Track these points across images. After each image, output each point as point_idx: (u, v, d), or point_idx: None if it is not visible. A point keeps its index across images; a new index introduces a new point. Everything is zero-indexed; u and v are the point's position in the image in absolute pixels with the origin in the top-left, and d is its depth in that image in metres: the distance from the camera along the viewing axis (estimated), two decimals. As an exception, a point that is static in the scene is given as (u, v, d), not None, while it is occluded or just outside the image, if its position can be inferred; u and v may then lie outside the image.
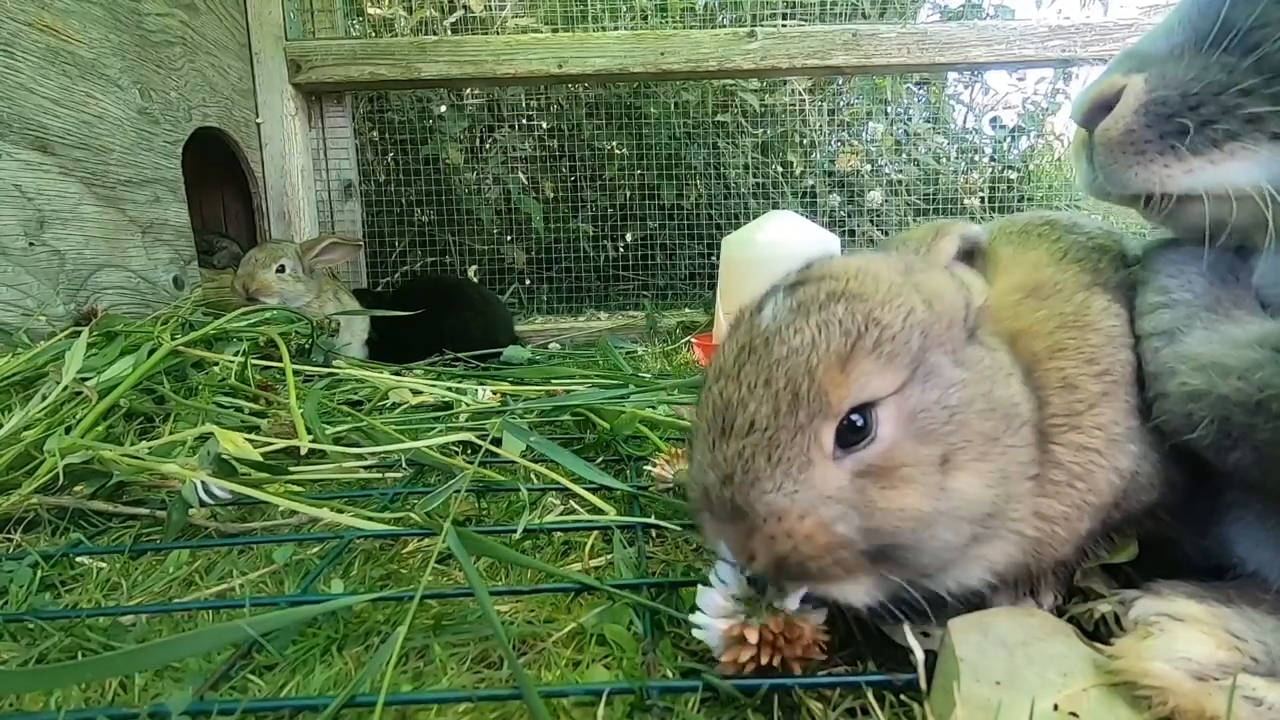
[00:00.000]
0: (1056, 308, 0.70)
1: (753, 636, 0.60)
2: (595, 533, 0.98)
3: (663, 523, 0.98)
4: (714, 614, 0.63)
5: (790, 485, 0.55)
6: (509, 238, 3.79)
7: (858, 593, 0.58)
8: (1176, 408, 0.62)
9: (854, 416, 0.56)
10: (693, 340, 2.86)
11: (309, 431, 1.24)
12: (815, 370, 0.56)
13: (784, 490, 0.55)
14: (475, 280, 3.57)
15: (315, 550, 0.98)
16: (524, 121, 3.78)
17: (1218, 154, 0.63)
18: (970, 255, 0.73)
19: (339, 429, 1.35)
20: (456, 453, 1.32)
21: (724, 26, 3.31)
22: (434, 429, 1.44)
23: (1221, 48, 0.63)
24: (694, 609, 0.65)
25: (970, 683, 0.55)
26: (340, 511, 1.02)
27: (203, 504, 1.04)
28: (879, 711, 0.60)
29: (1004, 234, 0.83)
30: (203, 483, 1.04)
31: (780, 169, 3.85)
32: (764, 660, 0.60)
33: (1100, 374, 0.66)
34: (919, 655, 0.59)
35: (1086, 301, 0.70)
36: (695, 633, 0.64)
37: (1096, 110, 0.70)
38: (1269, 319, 0.65)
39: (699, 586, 0.67)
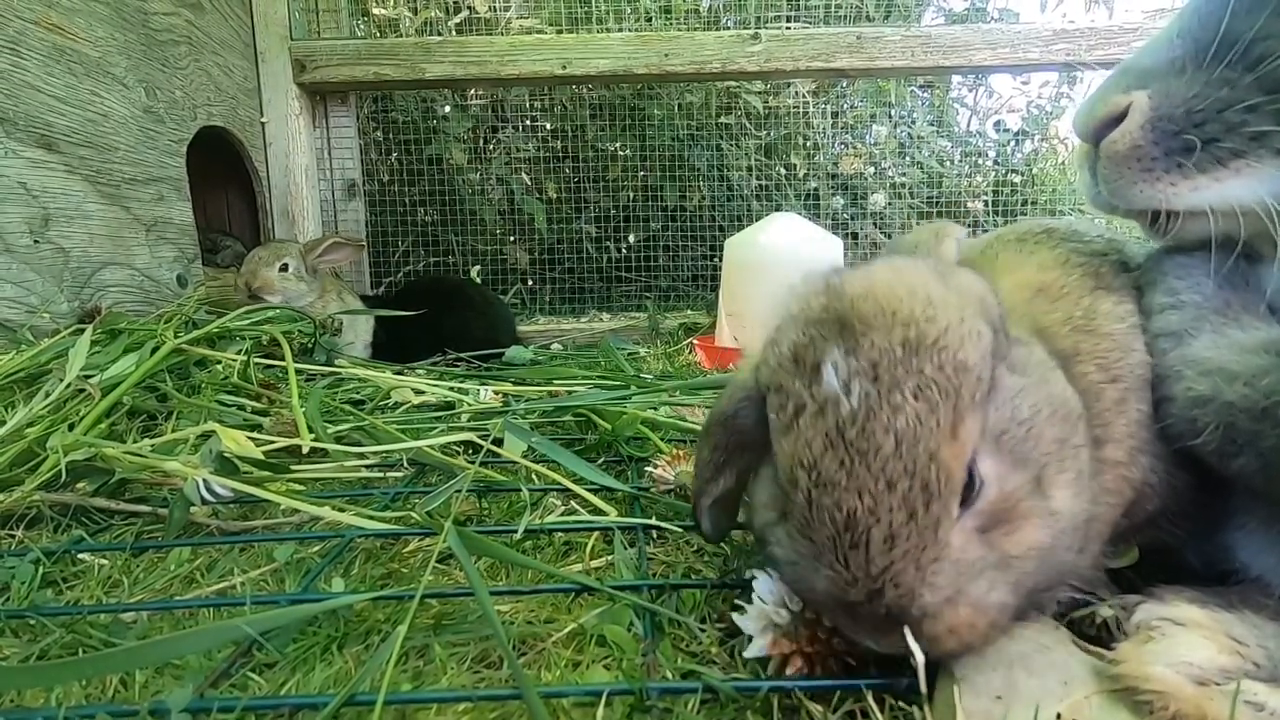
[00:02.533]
0: (1067, 310, 0.69)
1: (798, 642, 0.61)
2: (596, 533, 0.98)
3: (663, 524, 0.98)
4: (758, 627, 0.64)
5: (942, 581, 0.51)
6: (512, 238, 3.79)
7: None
8: (1182, 412, 0.62)
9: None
10: (695, 342, 2.86)
11: (311, 430, 1.24)
12: (938, 453, 0.51)
13: (937, 588, 0.51)
14: (478, 281, 3.57)
15: (316, 549, 0.98)
16: (528, 122, 3.79)
17: (1223, 171, 0.63)
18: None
19: (341, 428, 1.35)
20: (458, 453, 1.32)
21: (728, 28, 3.31)
22: (435, 429, 1.44)
23: (1224, 62, 0.63)
24: (698, 614, 0.65)
25: (970, 698, 0.55)
26: (341, 510, 1.02)
27: (204, 502, 1.05)
28: (879, 714, 0.59)
29: (1002, 241, 0.83)
30: (204, 481, 1.04)
31: (783, 171, 3.85)
32: (808, 650, 0.61)
33: (1114, 380, 0.65)
34: (919, 659, 0.59)
35: (1094, 305, 0.70)
36: (742, 622, 0.65)
37: (1103, 126, 0.70)
38: (1276, 325, 0.64)
39: (757, 580, 0.67)
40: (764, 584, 0.66)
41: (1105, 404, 0.64)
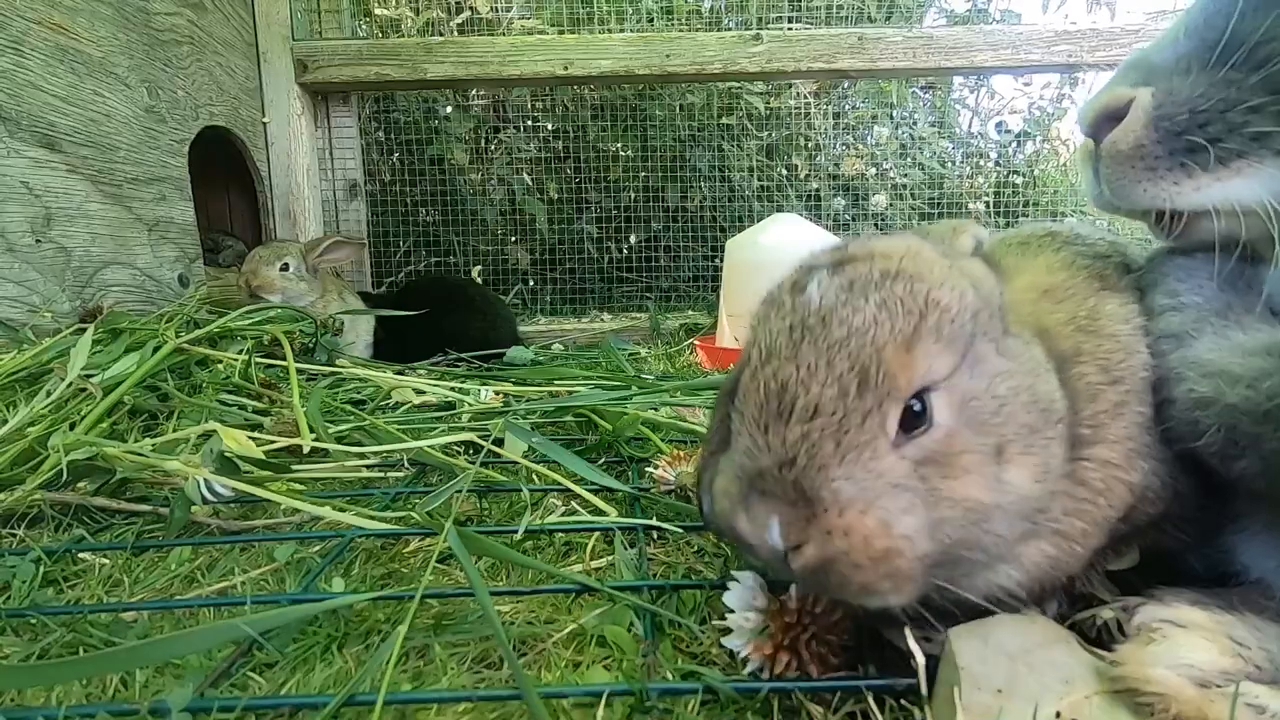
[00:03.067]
0: (1071, 310, 0.69)
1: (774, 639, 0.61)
2: (596, 534, 0.98)
3: (664, 525, 0.98)
4: (740, 641, 0.65)
5: (861, 474, 0.52)
6: (513, 238, 3.79)
7: (891, 599, 0.54)
8: (1183, 414, 0.62)
9: (913, 401, 0.54)
10: (695, 342, 2.86)
11: (311, 430, 1.24)
12: (883, 350, 0.53)
13: (855, 479, 0.52)
14: (479, 281, 3.57)
15: (316, 549, 0.98)
16: (529, 123, 3.79)
17: (1225, 171, 0.63)
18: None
19: (341, 428, 1.35)
20: (458, 453, 1.32)
21: (729, 29, 3.31)
22: (436, 429, 1.44)
23: (1229, 63, 0.63)
24: (699, 615, 0.65)
25: (971, 691, 0.55)
26: (342, 510, 1.02)
27: (205, 501, 1.05)
28: (879, 715, 0.59)
29: (1005, 245, 0.83)
30: (205, 480, 1.04)
31: (785, 172, 3.85)
32: (789, 634, 0.61)
33: (1115, 383, 0.65)
34: (920, 659, 0.59)
35: (1098, 306, 0.69)
36: (727, 639, 0.65)
37: (1104, 121, 0.69)
38: (1278, 327, 0.64)
39: (726, 592, 0.67)
40: (731, 594, 0.67)
41: (1102, 405, 0.63)
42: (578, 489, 1.09)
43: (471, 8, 3.41)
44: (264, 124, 3.04)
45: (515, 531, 0.96)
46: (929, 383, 0.54)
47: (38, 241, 1.87)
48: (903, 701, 0.61)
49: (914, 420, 0.54)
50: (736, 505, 0.56)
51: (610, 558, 0.92)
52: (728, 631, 0.66)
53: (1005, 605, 0.66)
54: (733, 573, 0.69)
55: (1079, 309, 0.69)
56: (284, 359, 1.59)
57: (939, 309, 0.54)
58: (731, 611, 0.66)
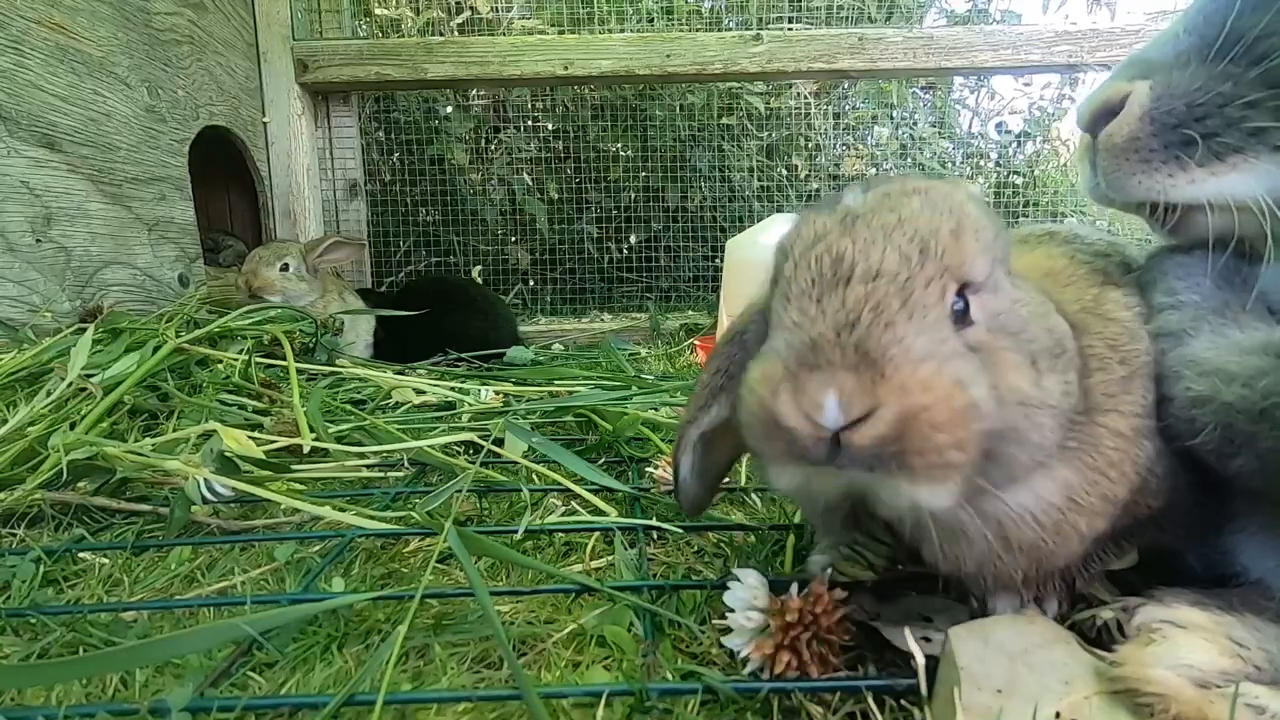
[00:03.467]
0: (1076, 294, 0.69)
1: (776, 638, 0.61)
2: (596, 534, 0.98)
3: (664, 525, 0.98)
4: (740, 641, 0.65)
5: (928, 334, 0.49)
6: (513, 238, 3.79)
7: (940, 496, 0.50)
8: (1180, 412, 0.62)
9: (957, 299, 0.52)
10: (695, 343, 2.86)
11: (311, 430, 1.24)
12: (939, 232, 0.52)
13: (926, 335, 0.49)
14: (479, 281, 3.57)
15: (316, 549, 0.98)
16: (529, 123, 3.79)
17: (1220, 165, 0.63)
18: None
19: (341, 428, 1.35)
20: (458, 453, 1.32)
21: (730, 29, 3.31)
22: (436, 429, 1.44)
23: (1228, 58, 0.63)
24: (698, 615, 0.65)
25: (971, 691, 0.55)
26: (342, 510, 1.02)
27: (205, 501, 1.05)
28: (879, 715, 0.60)
29: None
30: (205, 480, 1.05)
31: (785, 172, 3.85)
32: (789, 634, 0.61)
33: (1123, 361, 0.65)
34: (920, 659, 0.59)
35: (1102, 294, 0.70)
36: (727, 639, 0.65)
37: (1101, 115, 0.69)
38: (1275, 325, 0.64)
39: (727, 591, 0.67)
40: (732, 593, 0.67)
41: (1113, 375, 0.63)
42: (578, 489, 1.09)
43: (472, 8, 3.41)
44: (264, 124, 3.04)
45: (515, 531, 0.96)
46: (972, 278, 0.53)
47: (38, 241, 1.87)
48: (903, 702, 0.61)
49: (959, 315, 0.52)
50: (778, 388, 0.49)
51: (610, 558, 0.92)
52: (728, 631, 0.66)
53: (1000, 600, 0.66)
54: (734, 571, 0.69)
55: (1084, 294, 0.69)
56: (284, 359, 1.59)
57: (969, 217, 0.54)
58: (732, 611, 0.66)
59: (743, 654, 0.64)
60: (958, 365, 0.49)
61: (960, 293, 0.52)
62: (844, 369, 0.48)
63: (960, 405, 0.48)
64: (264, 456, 1.13)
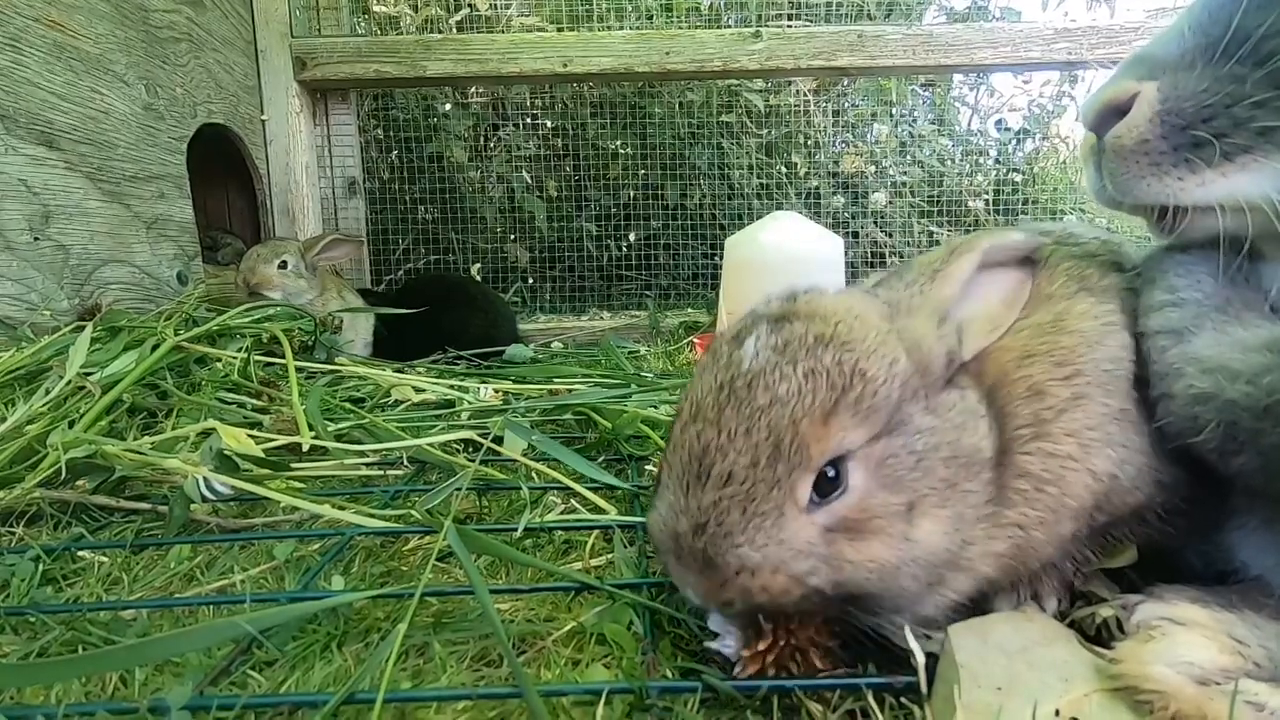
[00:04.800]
0: (1035, 319, 0.70)
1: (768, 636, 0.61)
2: (596, 532, 0.98)
3: (664, 523, 0.98)
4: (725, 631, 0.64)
5: (763, 540, 0.56)
6: (512, 236, 3.79)
7: (816, 618, 0.60)
8: (1181, 410, 0.62)
9: (828, 469, 0.57)
10: (695, 340, 2.86)
11: (311, 428, 1.24)
12: (800, 423, 0.56)
13: (757, 545, 0.56)
14: (478, 279, 3.57)
15: (316, 547, 0.98)
16: (528, 120, 3.78)
17: (1229, 166, 0.63)
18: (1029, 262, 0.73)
19: (341, 426, 1.35)
20: (458, 451, 1.32)
21: (729, 27, 3.31)
22: (436, 427, 1.44)
23: (1234, 58, 0.63)
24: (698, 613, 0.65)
25: (971, 688, 0.55)
26: (341, 508, 1.02)
27: (204, 499, 1.05)
28: (879, 713, 0.59)
29: None
30: (204, 478, 1.04)
31: (784, 170, 3.85)
32: (782, 643, 0.60)
33: (1069, 377, 0.66)
34: (919, 658, 0.59)
35: (1067, 308, 0.70)
36: (710, 643, 0.65)
37: (1107, 115, 0.69)
38: (1278, 323, 0.64)
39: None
40: (713, 620, 0.66)
41: (1049, 401, 0.65)
42: (577, 487, 1.09)
43: (470, 5, 3.40)
44: (262, 121, 3.04)
45: (515, 529, 0.96)
46: (843, 452, 0.57)
47: (36, 239, 1.87)
48: (902, 700, 0.61)
49: (829, 485, 0.57)
50: (664, 555, 0.61)
51: (610, 556, 0.92)
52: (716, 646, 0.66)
53: (999, 598, 0.67)
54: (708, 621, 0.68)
55: (1045, 315, 0.70)
56: (283, 357, 1.59)
57: (863, 380, 0.57)
58: (714, 635, 0.66)
59: (737, 669, 0.63)
60: (795, 564, 0.56)
61: (834, 463, 0.57)
62: (695, 571, 0.58)
63: (796, 596, 0.56)
64: (263, 455, 1.12)
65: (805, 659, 0.61)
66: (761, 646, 0.60)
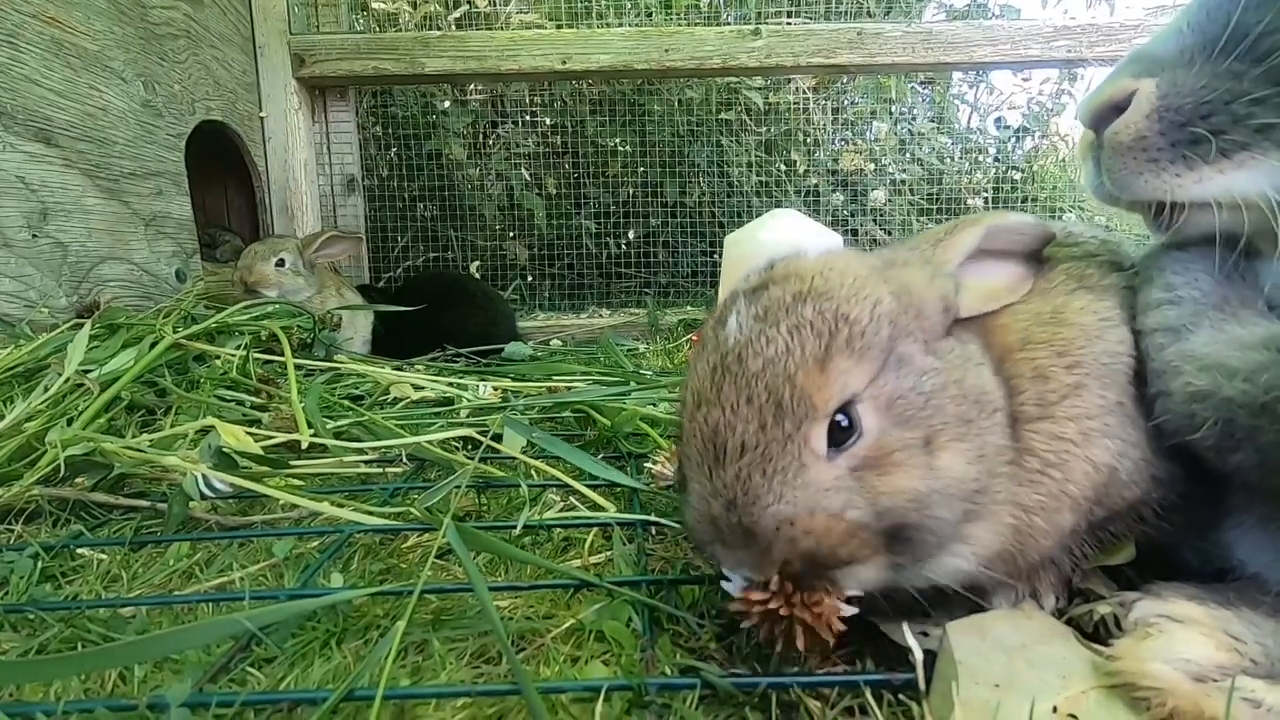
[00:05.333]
0: (1034, 307, 0.70)
1: (770, 587, 0.60)
2: (595, 529, 0.98)
3: (662, 520, 0.98)
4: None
5: (790, 493, 0.56)
6: (511, 234, 3.79)
7: (870, 575, 0.59)
8: (1179, 407, 0.62)
9: (839, 416, 0.58)
10: (694, 338, 2.86)
11: (310, 426, 1.24)
12: (795, 377, 0.57)
13: (786, 499, 0.56)
14: (477, 276, 3.56)
15: (315, 544, 0.98)
16: (527, 118, 3.78)
17: (1227, 163, 0.63)
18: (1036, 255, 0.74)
19: (340, 423, 1.35)
20: (457, 448, 1.32)
21: (729, 24, 3.30)
22: (435, 424, 1.44)
23: (1232, 55, 0.63)
24: (697, 610, 0.64)
25: (969, 685, 0.55)
26: (340, 506, 1.02)
27: (203, 497, 1.05)
28: (877, 710, 0.60)
29: None
30: (203, 476, 1.04)
31: (783, 167, 3.85)
32: (774, 606, 0.59)
33: (1071, 366, 0.66)
34: (918, 654, 0.59)
35: (1066, 303, 0.71)
36: (725, 585, 0.64)
37: (1106, 112, 0.69)
38: (1276, 321, 0.64)
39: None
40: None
41: (1052, 386, 0.66)
42: (576, 484, 1.09)
43: (469, 2, 3.40)
44: (261, 118, 3.03)
45: (514, 527, 0.96)
46: (849, 397, 0.58)
47: (34, 236, 1.87)
48: (901, 696, 0.61)
49: (843, 433, 0.58)
50: (709, 546, 0.61)
51: (609, 553, 0.92)
52: (728, 628, 0.65)
53: (997, 595, 0.67)
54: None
55: (1044, 307, 0.70)
56: (282, 355, 1.59)
57: (848, 324, 0.58)
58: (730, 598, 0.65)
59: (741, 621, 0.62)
60: (829, 500, 0.57)
61: (843, 410, 0.58)
62: (740, 547, 0.58)
63: (841, 530, 0.56)
64: (262, 452, 1.12)
65: (789, 636, 0.59)
66: (755, 596, 0.59)
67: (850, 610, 0.61)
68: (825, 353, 0.57)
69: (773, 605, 0.59)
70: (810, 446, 0.57)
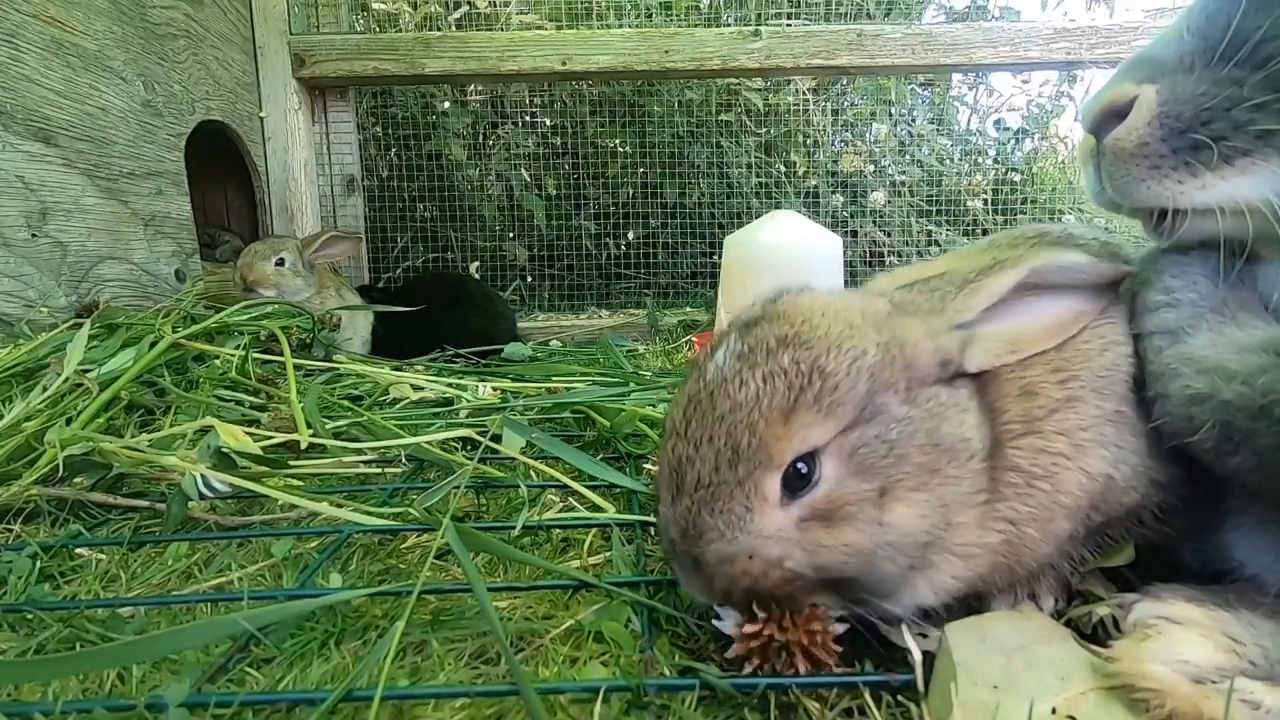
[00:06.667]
0: None
1: (760, 615, 0.61)
2: (594, 530, 0.98)
3: (662, 521, 0.98)
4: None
5: (733, 533, 0.59)
6: (511, 235, 3.79)
7: (828, 602, 0.62)
8: (1178, 410, 0.62)
9: (799, 464, 0.59)
10: (693, 339, 2.86)
11: (309, 426, 1.24)
12: (757, 426, 0.58)
13: (727, 539, 0.59)
14: (477, 277, 3.56)
15: (314, 544, 0.98)
16: (527, 118, 3.78)
17: (1229, 169, 0.63)
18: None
19: (339, 424, 1.35)
20: (456, 449, 1.32)
21: (729, 25, 3.31)
22: (434, 425, 1.44)
23: (1232, 61, 0.63)
24: (696, 611, 0.65)
25: (967, 686, 0.55)
26: (339, 506, 1.02)
27: (202, 497, 1.05)
28: (876, 712, 0.60)
29: (996, 246, 0.83)
30: (202, 476, 1.04)
31: (783, 169, 3.85)
32: (768, 633, 0.60)
33: (1065, 380, 0.66)
34: (916, 656, 0.59)
35: None
36: (718, 624, 0.65)
37: (1107, 117, 0.69)
38: (1274, 324, 0.64)
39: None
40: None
41: (1041, 401, 0.66)
42: (576, 485, 1.09)
43: (469, 3, 3.40)
44: (261, 119, 3.03)
45: (513, 527, 0.96)
46: (808, 450, 0.59)
47: (33, 236, 1.87)
48: (899, 697, 0.61)
49: (800, 480, 0.59)
50: (670, 561, 0.65)
51: (608, 553, 0.92)
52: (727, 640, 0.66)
53: (996, 597, 0.67)
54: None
55: None
56: (281, 355, 1.59)
57: (822, 377, 0.59)
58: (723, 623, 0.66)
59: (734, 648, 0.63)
60: (767, 549, 0.59)
61: (804, 458, 0.59)
62: (688, 572, 0.63)
63: (777, 576, 0.59)
64: (261, 452, 1.12)
65: (790, 659, 0.61)
66: (749, 630, 0.61)
67: (841, 627, 0.63)
68: (792, 405, 0.58)
69: (767, 632, 0.60)
70: (761, 493, 0.59)
